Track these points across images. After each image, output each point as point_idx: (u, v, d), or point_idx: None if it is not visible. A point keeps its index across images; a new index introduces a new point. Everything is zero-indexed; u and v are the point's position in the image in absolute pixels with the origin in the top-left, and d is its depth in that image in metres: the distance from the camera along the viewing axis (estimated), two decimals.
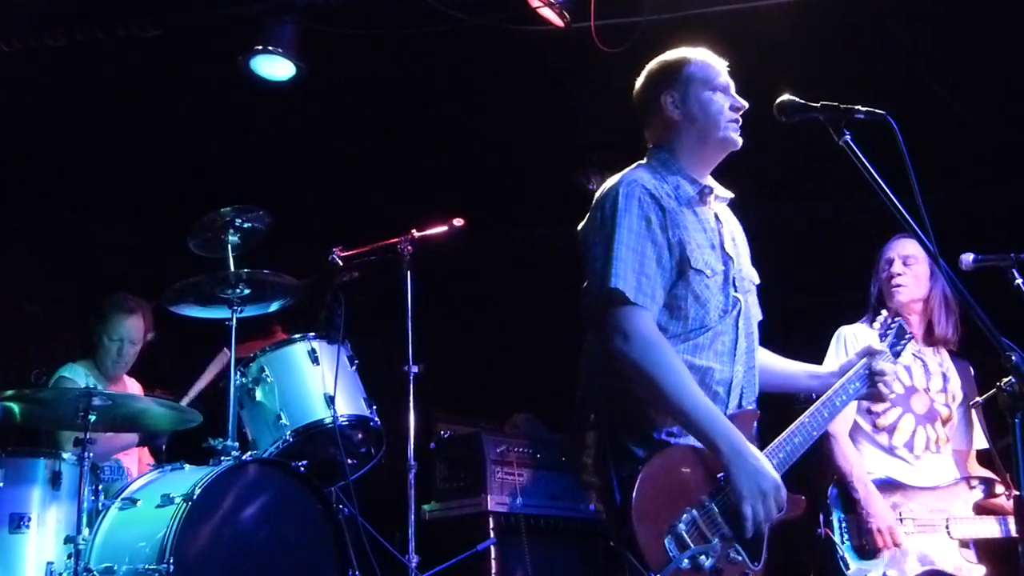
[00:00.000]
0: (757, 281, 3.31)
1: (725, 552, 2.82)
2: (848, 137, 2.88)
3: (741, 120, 3.19)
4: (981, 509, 4.33)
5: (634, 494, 2.75)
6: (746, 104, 3.18)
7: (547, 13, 5.14)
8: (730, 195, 3.27)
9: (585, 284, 3.05)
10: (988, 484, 4.39)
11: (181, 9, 5.27)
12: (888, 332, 3.53)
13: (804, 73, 3.54)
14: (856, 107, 2.89)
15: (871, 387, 3.36)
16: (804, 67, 4.99)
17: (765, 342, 3.34)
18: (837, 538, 4.23)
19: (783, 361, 3.53)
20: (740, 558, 2.84)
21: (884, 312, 3.70)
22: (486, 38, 5.45)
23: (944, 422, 4.47)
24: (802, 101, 3.02)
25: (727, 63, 3.25)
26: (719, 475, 2.86)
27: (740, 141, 3.18)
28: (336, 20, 5.28)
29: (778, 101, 3.06)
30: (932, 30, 5.42)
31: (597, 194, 3.11)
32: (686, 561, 2.73)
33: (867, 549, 4.19)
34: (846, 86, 3.45)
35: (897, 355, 3.50)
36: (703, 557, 2.76)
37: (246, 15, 5.27)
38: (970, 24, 5.35)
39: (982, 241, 4.13)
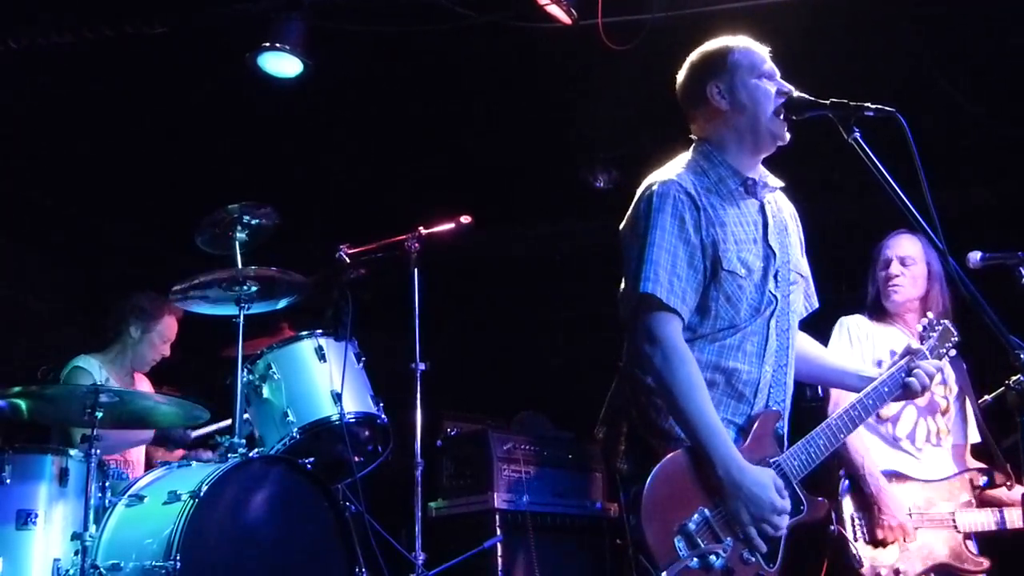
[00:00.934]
0: (806, 273, 3.26)
1: (738, 552, 2.80)
2: (857, 134, 2.88)
3: None
4: (981, 502, 4.33)
5: (646, 490, 2.75)
6: (793, 90, 3.08)
7: (554, 11, 5.14)
8: (780, 184, 3.19)
9: (621, 286, 3.03)
10: (989, 476, 4.38)
11: (188, 6, 5.27)
12: (931, 335, 3.39)
13: (810, 70, 3.52)
14: (866, 104, 2.88)
15: (904, 383, 3.21)
16: (810, 65, 4.98)
17: None
18: (849, 535, 4.21)
19: (837, 357, 3.48)
20: (754, 559, 2.82)
21: (930, 315, 3.60)
22: (493, 35, 5.45)
23: (943, 413, 4.47)
24: (811, 98, 3.02)
25: (769, 49, 3.16)
26: None
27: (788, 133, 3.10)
28: (343, 17, 5.28)
29: (788, 98, 3.06)
30: (936, 29, 5.42)
31: (637, 192, 3.08)
32: (695, 560, 2.71)
33: (880, 541, 4.18)
34: (851, 84, 3.44)
35: (939, 357, 3.36)
36: (713, 557, 2.74)
37: (253, 12, 5.28)
38: (973, 23, 5.34)
39: (985, 240, 4.13)
